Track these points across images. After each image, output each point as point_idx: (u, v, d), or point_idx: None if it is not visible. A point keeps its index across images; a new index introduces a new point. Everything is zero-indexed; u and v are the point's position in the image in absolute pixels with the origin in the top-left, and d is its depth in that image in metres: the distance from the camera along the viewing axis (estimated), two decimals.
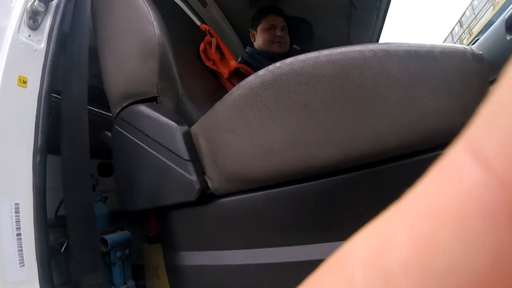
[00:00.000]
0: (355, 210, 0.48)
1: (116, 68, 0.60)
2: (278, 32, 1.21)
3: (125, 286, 0.71)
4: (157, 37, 0.58)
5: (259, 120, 0.47)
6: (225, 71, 0.96)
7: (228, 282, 0.52)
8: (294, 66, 0.46)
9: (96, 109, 0.78)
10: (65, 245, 0.65)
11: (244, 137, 0.48)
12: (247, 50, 1.28)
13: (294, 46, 1.29)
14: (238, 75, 1.03)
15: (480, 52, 0.52)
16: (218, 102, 0.51)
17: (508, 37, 0.77)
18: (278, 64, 0.47)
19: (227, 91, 1.00)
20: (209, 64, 0.91)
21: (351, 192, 0.48)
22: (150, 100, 0.58)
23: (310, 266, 0.45)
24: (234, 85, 1.01)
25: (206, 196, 0.52)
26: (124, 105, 0.58)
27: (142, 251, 0.83)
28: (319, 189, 0.48)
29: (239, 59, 1.26)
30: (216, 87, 0.94)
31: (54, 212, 0.68)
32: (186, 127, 0.54)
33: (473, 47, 0.96)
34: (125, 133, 0.56)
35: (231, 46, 1.61)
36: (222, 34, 1.52)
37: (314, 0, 1.46)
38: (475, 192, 0.07)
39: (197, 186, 0.50)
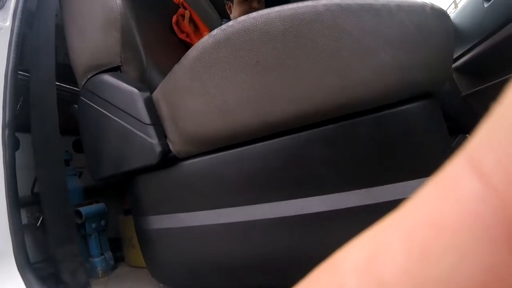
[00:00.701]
0: (313, 168, 0.48)
1: (80, 41, 0.61)
2: (255, 4, 1.19)
3: (102, 257, 0.73)
4: (118, 7, 0.58)
5: (213, 79, 0.48)
6: None
7: (192, 242, 0.53)
8: (246, 24, 0.46)
9: (67, 86, 0.80)
10: (40, 219, 0.66)
11: (201, 97, 0.48)
12: (222, 22, 1.28)
13: None
14: None
15: (440, 8, 0.51)
16: (176, 65, 0.51)
17: (485, 5, 0.75)
18: (230, 22, 0.47)
19: None
20: (182, 36, 0.92)
21: (308, 150, 0.48)
22: (114, 70, 0.59)
23: (272, 224, 0.46)
24: None
25: (168, 160, 0.53)
26: (89, 76, 0.59)
27: (117, 223, 0.85)
28: (277, 148, 0.49)
29: (215, 31, 1.25)
30: None
31: (30, 189, 0.70)
32: (148, 93, 0.55)
33: (454, 14, 0.95)
34: (90, 103, 0.58)
35: (208, 19, 1.60)
36: (198, 6, 1.51)
37: None
38: (471, 205, 0.07)
39: (158, 149, 0.51)
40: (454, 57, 0.88)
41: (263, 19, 0.46)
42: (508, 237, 0.06)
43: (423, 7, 0.49)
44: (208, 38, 0.48)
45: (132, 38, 0.61)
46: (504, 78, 0.71)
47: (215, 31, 0.48)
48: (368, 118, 0.48)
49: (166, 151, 0.52)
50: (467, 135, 0.88)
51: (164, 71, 0.77)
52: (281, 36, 0.45)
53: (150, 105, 0.53)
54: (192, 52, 0.49)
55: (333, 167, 0.48)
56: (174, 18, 0.91)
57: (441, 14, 0.50)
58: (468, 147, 0.08)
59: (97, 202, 0.77)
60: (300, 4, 0.46)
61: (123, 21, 0.59)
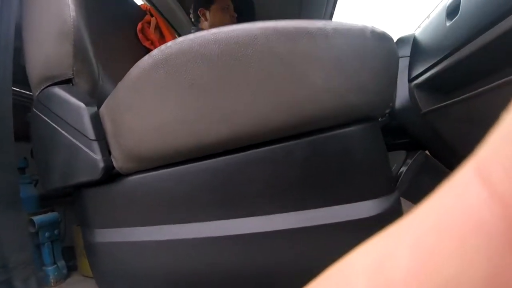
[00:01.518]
0: (250, 188, 0.50)
1: (35, 50, 0.62)
2: (232, 13, 1.27)
3: (55, 266, 0.75)
4: (72, 20, 0.60)
5: (151, 99, 0.49)
6: None
7: (136, 258, 0.55)
8: (183, 45, 0.47)
9: (27, 92, 0.81)
10: None
11: (140, 116, 0.50)
12: (192, 31, 1.31)
13: None
14: None
15: (382, 30, 0.52)
16: (120, 82, 0.52)
17: (447, 24, 0.76)
18: (169, 43, 0.48)
19: None
20: (147, 43, 0.93)
21: (245, 170, 0.49)
22: (66, 82, 0.60)
23: (211, 242, 0.47)
24: None
25: (112, 175, 0.55)
26: (42, 87, 0.61)
27: (71, 232, 0.87)
28: (215, 168, 0.50)
29: (182, 38, 1.29)
30: None
31: None
32: (95, 108, 0.56)
33: (419, 31, 0.95)
34: (41, 115, 0.59)
35: (179, 24, 1.60)
36: (169, 11, 1.50)
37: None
38: (478, 212, 0.07)
39: (101, 164, 0.53)
40: (416, 74, 0.88)
41: (199, 41, 0.47)
42: None
43: (362, 31, 0.49)
44: (148, 58, 0.49)
45: (85, 50, 0.62)
46: (464, 96, 0.71)
47: (154, 52, 0.49)
48: (303, 141, 0.49)
49: (109, 166, 0.53)
50: (427, 151, 0.89)
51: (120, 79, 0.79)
52: (216, 58, 0.46)
53: (96, 120, 0.55)
54: (133, 71, 0.50)
55: (268, 189, 0.49)
56: (139, 25, 0.92)
57: (383, 37, 0.51)
58: (476, 157, 0.08)
59: (53, 210, 0.79)
60: (237, 26, 0.47)
61: (76, 34, 0.60)
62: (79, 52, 0.60)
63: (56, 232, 0.76)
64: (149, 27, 0.96)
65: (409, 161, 0.86)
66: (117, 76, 0.74)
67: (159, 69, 0.48)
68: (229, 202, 0.50)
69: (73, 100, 0.56)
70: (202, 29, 1.33)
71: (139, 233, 0.54)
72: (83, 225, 0.60)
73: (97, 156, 0.53)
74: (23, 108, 0.68)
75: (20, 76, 0.68)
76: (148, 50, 0.95)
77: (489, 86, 0.65)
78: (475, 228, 0.07)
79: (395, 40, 1.09)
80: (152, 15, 1.02)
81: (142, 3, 1.08)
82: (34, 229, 0.72)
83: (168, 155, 0.50)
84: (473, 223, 0.07)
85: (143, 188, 0.54)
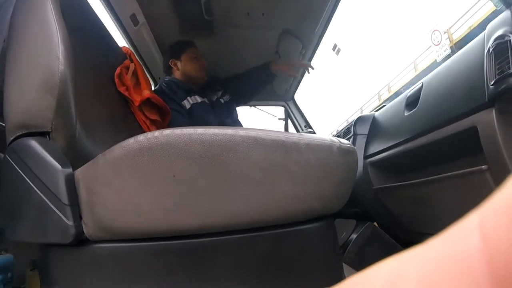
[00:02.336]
0: (215, 270, 0.55)
1: (16, 95, 0.62)
2: (202, 60, 1.40)
3: None
4: (59, 74, 0.60)
5: (132, 181, 0.52)
6: (137, 99, 0.99)
7: None
8: (169, 139, 0.51)
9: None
10: None
11: (118, 194, 0.53)
12: (166, 79, 1.38)
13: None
14: (150, 105, 1.07)
15: (349, 144, 0.60)
16: (100, 155, 0.55)
17: (406, 113, 0.87)
18: (156, 133, 0.52)
19: (135, 119, 1.04)
20: (122, 89, 0.93)
21: (209, 255, 0.55)
22: (43, 134, 0.61)
23: None
24: (144, 114, 1.05)
25: (81, 240, 0.57)
26: (18, 134, 0.61)
27: (25, 274, 0.86)
28: (181, 248, 0.55)
29: (157, 86, 1.37)
30: (124, 113, 0.97)
31: None
32: (70, 170, 0.58)
33: (378, 112, 1.07)
34: (14, 165, 0.59)
35: (156, 69, 1.66)
36: (149, 56, 1.57)
37: (244, 42, 1.56)
38: (471, 260, 0.09)
39: (72, 231, 0.55)
40: (371, 152, 1.00)
41: (185, 138, 0.51)
42: (492, 285, 0.08)
43: (330, 147, 0.57)
44: (134, 142, 0.52)
45: (67, 105, 0.63)
46: (413, 182, 0.83)
47: (141, 137, 0.52)
48: (265, 234, 0.56)
49: (80, 232, 0.56)
50: (375, 223, 1.01)
51: (95, 127, 0.80)
52: (199, 158, 0.51)
53: (71, 184, 0.57)
54: (117, 150, 0.53)
55: (231, 272, 0.55)
56: (118, 70, 0.92)
57: (347, 152, 0.59)
58: (484, 206, 0.10)
59: (6, 251, 0.77)
60: (221, 130, 0.52)
61: (61, 88, 0.60)
62: (60, 107, 0.61)
63: (9, 275, 0.74)
64: (126, 73, 0.96)
65: (359, 230, 0.98)
66: (93, 124, 0.75)
67: (143, 156, 0.52)
68: (193, 282, 0.55)
69: (49, 159, 0.58)
70: (175, 77, 1.40)
71: None
72: (44, 280, 0.62)
73: (69, 222, 0.55)
74: None
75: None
76: (122, 96, 0.95)
77: (437, 176, 0.77)
78: (466, 275, 0.09)
79: (355, 118, 1.21)
80: (132, 61, 1.02)
81: (125, 45, 1.08)
82: None
83: (140, 233, 0.54)
84: (466, 269, 0.09)
85: (109, 257, 0.57)
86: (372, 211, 1.02)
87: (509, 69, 0.45)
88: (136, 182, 0.52)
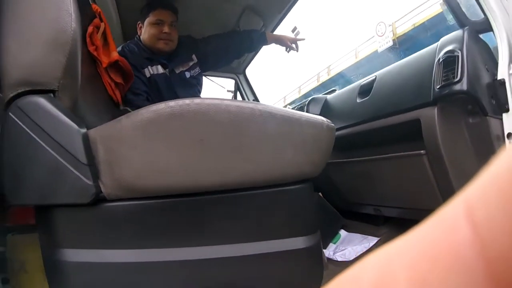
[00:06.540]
0: (217, 222, 0.68)
1: (18, 48, 0.60)
2: (166, 29, 1.29)
3: None
4: (72, 31, 0.62)
5: (161, 143, 0.61)
6: (105, 60, 0.98)
7: (108, 278, 0.65)
8: (201, 107, 0.61)
9: None
10: None
11: (146, 156, 0.61)
12: (130, 42, 1.34)
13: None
14: (116, 68, 1.08)
15: (332, 124, 0.80)
16: (124, 117, 0.61)
17: (358, 100, 1.13)
18: (187, 101, 0.62)
19: (102, 81, 1.05)
20: (91, 49, 0.92)
21: (215, 208, 0.68)
22: (47, 92, 0.62)
23: (182, 265, 0.68)
24: (109, 77, 1.07)
25: (97, 200, 0.63)
26: (20, 91, 0.60)
27: (3, 242, 0.83)
28: (193, 204, 0.66)
29: (119, 48, 1.30)
30: (93, 74, 0.98)
31: None
32: (85, 130, 0.62)
33: (330, 96, 1.33)
34: (20, 123, 0.59)
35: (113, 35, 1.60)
36: (108, 19, 1.50)
37: (206, 11, 1.63)
38: (461, 250, 0.09)
39: (92, 190, 0.60)
40: None
41: (214, 107, 0.62)
42: (489, 279, 0.08)
43: (321, 124, 0.76)
44: (165, 107, 0.61)
45: (75, 66, 0.65)
46: (357, 159, 1.10)
47: (172, 103, 0.61)
48: (261, 192, 0.71)
49: (98, 192, 0.61)
50: (320, 193, 1.27)
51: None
52: (224, 125, 0.63)
53: (87, 144, 0.61)
54: (146, 114, 0.60)
55: (230, 224, 0.69)
56: (90, 29, 0.91)
57: (332, 128, 0.79)
58: (467, 191, 0.10)
59: None
60: (244, 103, 0.65)
61: (72, 47, 0.62)
62: (70, 66, 0.63)
63: None
64: (97, 32, 0.94)
65: None
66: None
67: (175, 121, 0.61)
68: (199, 231, 0.67)
69: (63, 118, 0.60)
70: (139, 42, 1.34)
71: (115, 254, 0.64)
72: (48, 242, 0.64)
73: (89, 182, 0.60)
74: None
75: None
76: (90, 56, 0.94)
77: (382, 156, 1.04)
78: (458, 265, 0.09)
79: (309, 99, 1.44)
80: (101, 20, 0.99)
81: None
82: None
83: (164, 190, 0.63)
84: (456, 259, 0.09)
85: (126, 214, 0.64)
86: (318, 182, 1.27)
87: (453, 78, 0.70)
88: (165, 144, 0.61)
